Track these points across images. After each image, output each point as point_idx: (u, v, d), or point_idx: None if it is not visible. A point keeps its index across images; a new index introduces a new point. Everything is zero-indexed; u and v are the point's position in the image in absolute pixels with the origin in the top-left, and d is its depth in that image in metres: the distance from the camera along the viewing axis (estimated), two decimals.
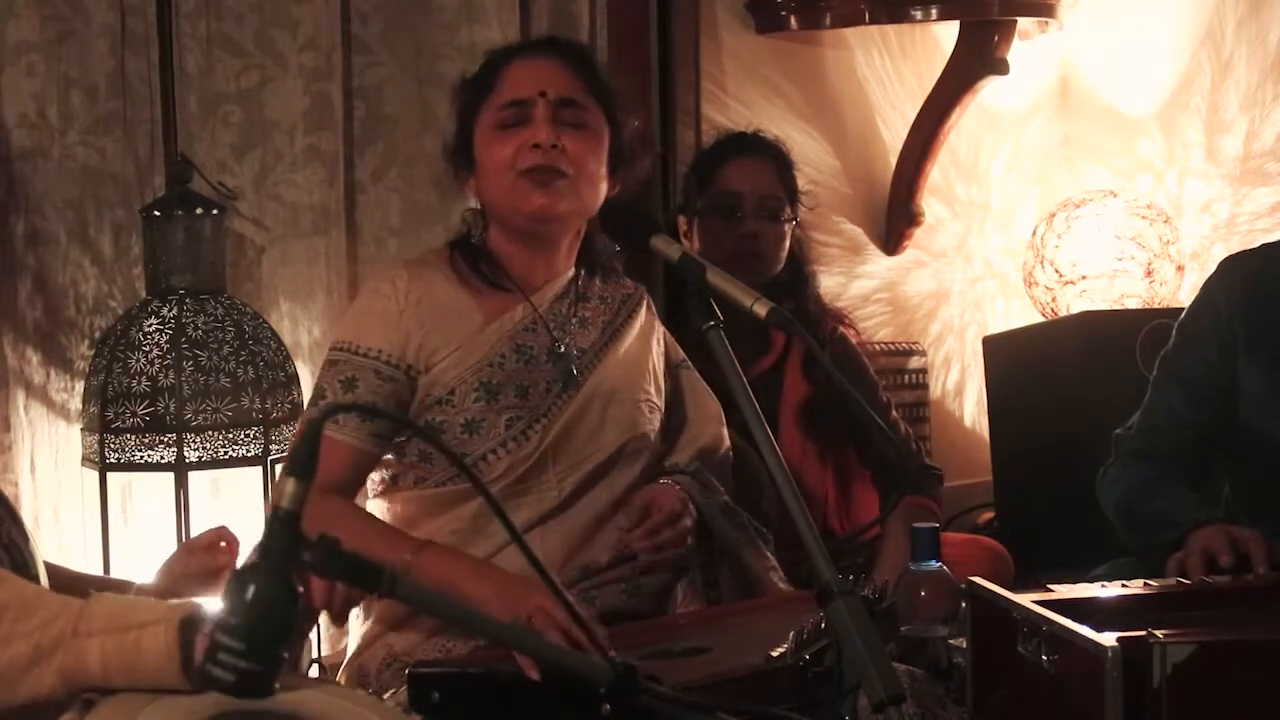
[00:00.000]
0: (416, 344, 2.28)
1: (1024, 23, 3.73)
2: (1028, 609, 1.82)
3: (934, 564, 2.15)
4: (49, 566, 1.98)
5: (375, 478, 2.38)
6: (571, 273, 2.41)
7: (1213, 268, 2.64)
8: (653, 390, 2.43)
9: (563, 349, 2.34)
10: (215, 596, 2.10)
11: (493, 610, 1.96)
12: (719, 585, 2.41)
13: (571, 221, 2.36)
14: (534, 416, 2.29)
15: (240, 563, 2.11)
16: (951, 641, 2.10)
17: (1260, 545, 2.20)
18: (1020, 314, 4.08)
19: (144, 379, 2.58)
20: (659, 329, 2.52)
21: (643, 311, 2.48)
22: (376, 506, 2.37)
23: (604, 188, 2.36)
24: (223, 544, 2.12)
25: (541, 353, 2.33)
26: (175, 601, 1.62)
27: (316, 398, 2.30)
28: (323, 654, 2.75)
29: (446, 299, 2.32)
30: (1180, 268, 3.83)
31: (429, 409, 2.27)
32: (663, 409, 2.44)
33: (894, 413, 3.17)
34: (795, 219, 3.11)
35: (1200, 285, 2.62)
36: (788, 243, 3.10)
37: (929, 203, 3.90)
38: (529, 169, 2.28)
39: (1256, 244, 2.74)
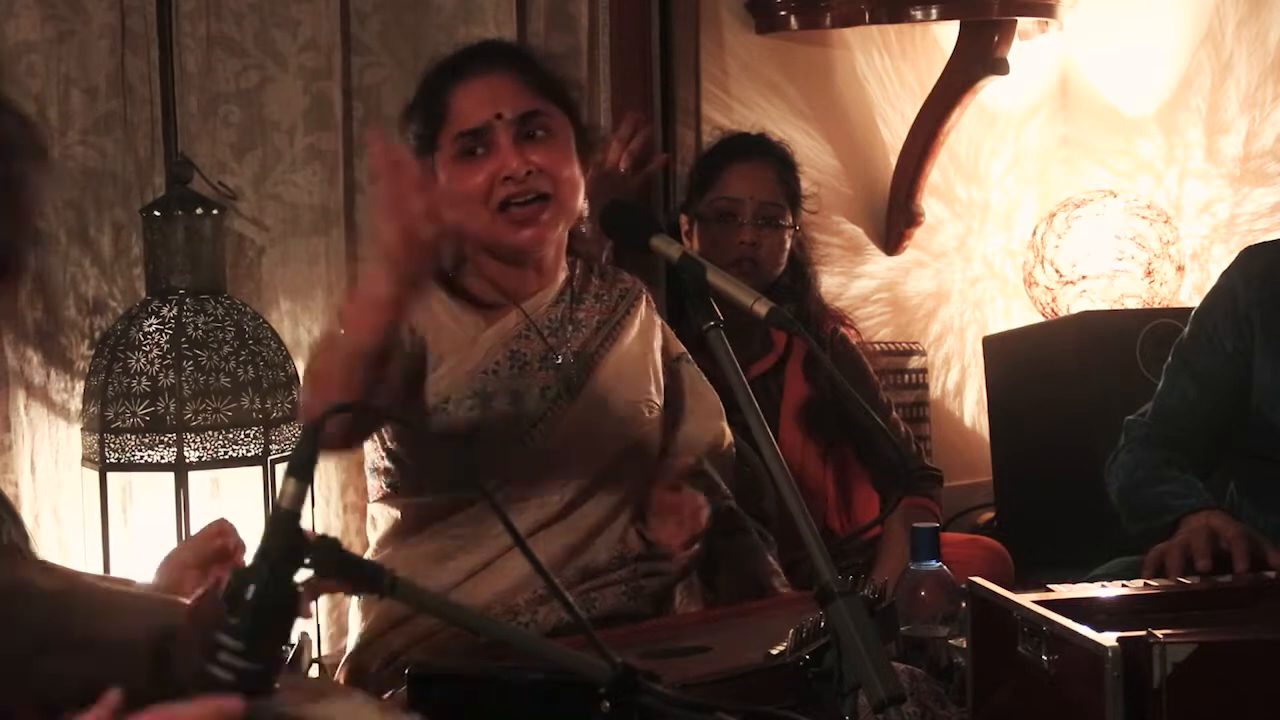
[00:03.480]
0: (425, 333, 2.27)
1: (1024, 23, 3.73)
2: (1028, 609, 1.82)
3: (934, 564, 2.15)
4: None
5: (375, 485, 2.37)
6: (565, 274, 2.40)
7: (1213, 268, 2.65)
8: (653, 390, 2.41)
9: (559, 359, 2.33)
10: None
11: None
12: (716, 588, 2.41)
13: (559, 236, 2.34)
14: (529, 423, 2.28)
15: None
16: (951, 641, 2.10)
17: (1242, 545, 2.19)
18: (1020, 314, 4.08)
19: (144, 379, 2.58)
20: (658, 323, 2.50)
21: (641, 307, 2.46)
22: (378, 512, 2.36)
23: (582, 184, 2.33)
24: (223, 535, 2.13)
25: (535, 359, 2.31)
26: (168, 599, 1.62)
27: None
28: (323, 654, 2.75)
29: (443, 310, 2.31)
30: (1180, 268, 3.83)
31: (426, 418, 2.25)
32: (662, 406, 2.43)
33: (894, 413, 3.17)
34: (796, 226, 3.11)
35: (1202, 282, 2.62)
36: (788, 248, 3.10)
37: (929, 203, 3.90)
38: (509, 204, 2.25)
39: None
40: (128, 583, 2.12)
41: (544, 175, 2.25)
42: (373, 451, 2.34)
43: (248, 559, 2.29)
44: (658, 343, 2.47)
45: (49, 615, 1.44)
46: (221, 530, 2.13)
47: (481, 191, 2.26)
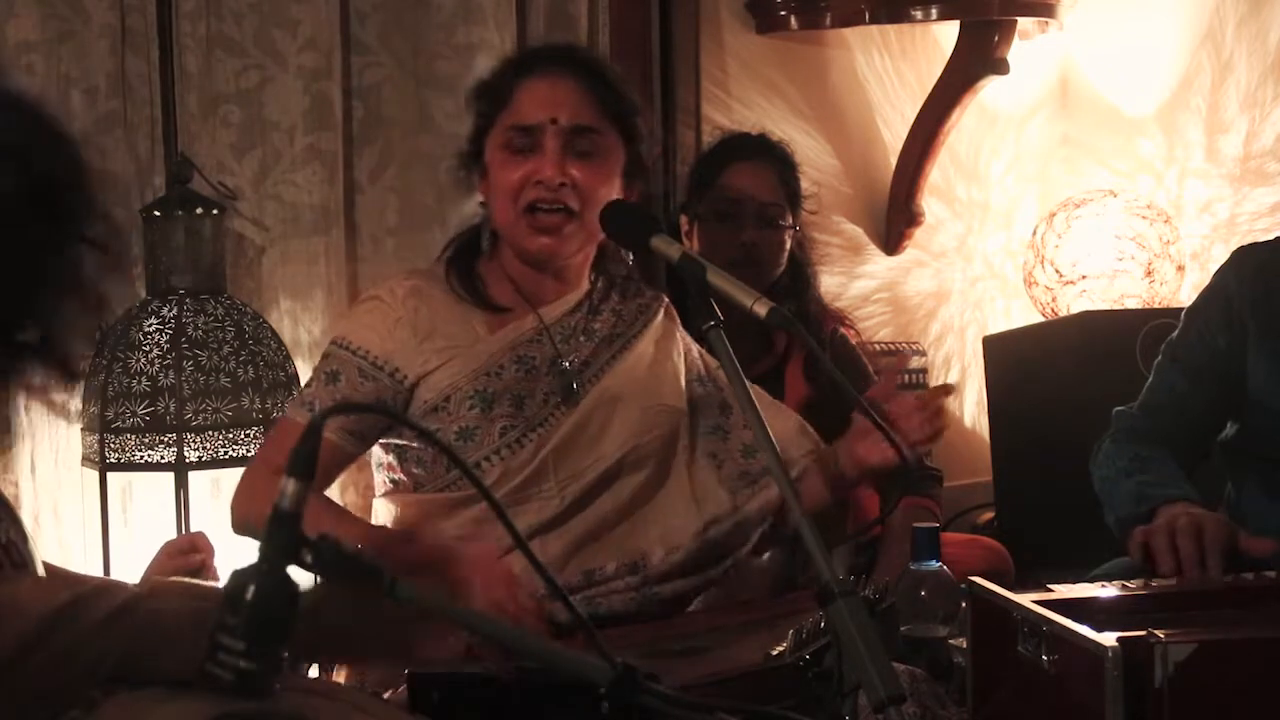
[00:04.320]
0: (409, 352, 2.27)
1: (1024, 23, 3.73)
2: (1028, 609, 1.82)
3: (934, 564, 2.15)
4: (48, 567, 1.98)
5: (379, 480, 2.37)
6: (586, 287, 2.39)
7: (1213, 268, 2.64)
8: (668, 395, 2.39)
9: (566, 365, 2.32)
10: None
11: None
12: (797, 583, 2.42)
13: (580, 251, 2.35)
14: (529, 426, 2.28)
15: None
16: (951, 641, 2.10)
17: (1217, 541, 2.20)
18: (1020, 314, 4.08)
19: (144, 379, 2.59)
20: (680, 335, 2.48)
21: (659, 317, 2.45)
22: (380, 507, 2.37)
23: None
24: (196, 552, 2.15)
25: (543, 364, 2.31)
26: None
27: (305, 387, 2.32)
28: None
29: (446, 308, 2.31)
30: (1180, 268, 3.83)
31: (424, 416, 2.25)
32: (685, 412, 2.41)
33: None
34: (796, 226, 3.11)
35: (1203, 282, 2.62)
36: (788, 248, 3.10)
37: (929, 203, 3.90)
38: (534, 206, 2.25)
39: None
40: (124, 585, 2.12)
41: (576, 191, 2.25)
42: (377, 446, 2.34)
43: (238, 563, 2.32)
44: (678, 349, 2.46)
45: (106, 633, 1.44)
46: (194, 545, 2.15)
47: (514, 188, 2.27)
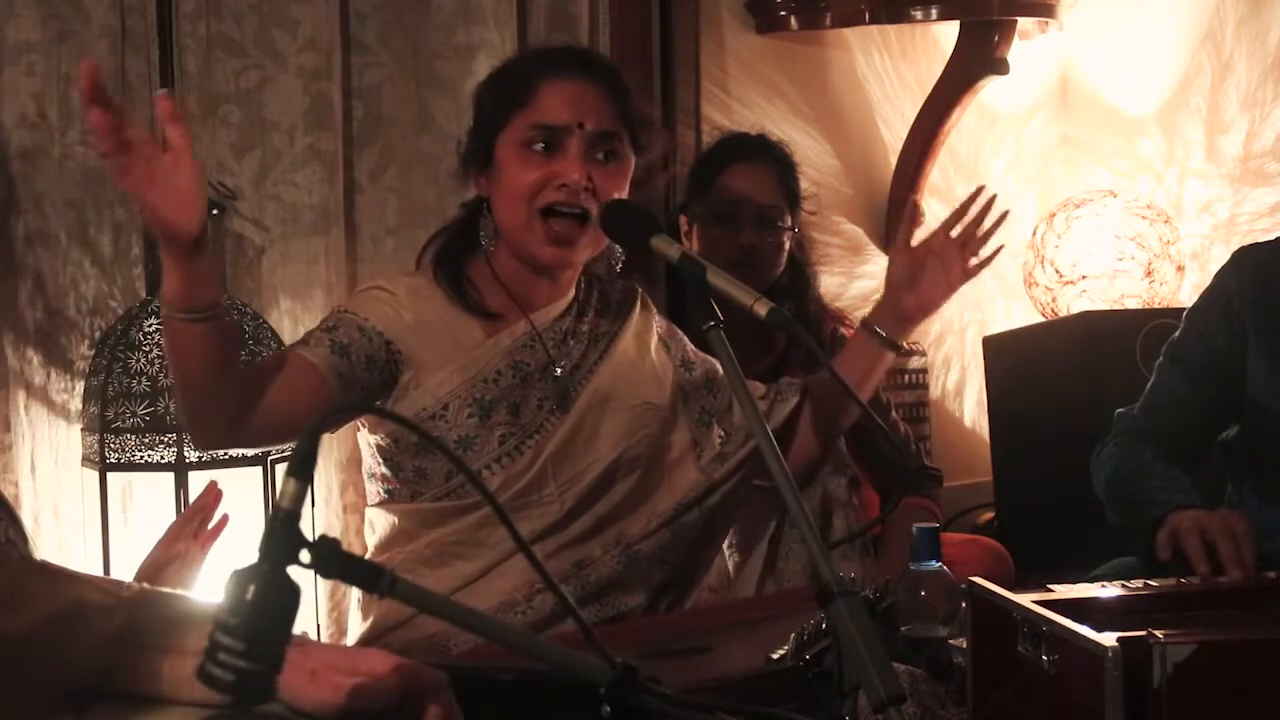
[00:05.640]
0: (405, 338, 2.25)
1: (1024, 23, 3.73)
2: (1028, 609, 1.82)
3: (934, 564, 2.15)
4: (48, 566, 1.98)
5: (372, 489, 2.36)
6: (573, 292, 2.39)
7: (1213, 268, 2.65)
8: (652, 391, 2.40)
9: (559, 372, 2.32)
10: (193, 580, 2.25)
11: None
12: (780, 565, 2.42)
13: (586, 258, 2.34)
14: (526, 433, 2.27)
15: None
16: (951, 641, 2.10)
17: (1250, 538, 2.21)
18: (1020, 314, 4.08)
19: (144, 379, 2.58)
20: (656, 325, 2.47)
21: (636, 310, 2.44)
22: (375, 516, 2.36)
23: None
24: (181, 541, 2.19)
25: (536, 370, 2.30)
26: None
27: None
28: None
29: (443, 314, 2.30)
30: (1180, 268, 3.83)
31: (421, 424, 2.24)
32: (670, 408, 2.41)
33: (893, 413, 3.17)
34: (795, 227, 3.10)
35: (1203, 282, 2.63)
36: (787, 249, 3.10)
37: (929, 203, 3.89)
38: (552, 209, 2.24)
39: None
40: (122, 585, 2.12)
41: (594, 197, 2.24)
42: (370, 456, 2.33)
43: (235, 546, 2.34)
44: (656, 340, 2.45)
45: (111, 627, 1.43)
46: (203, 504, 2.18)
47: (531, 189, 2.25)
